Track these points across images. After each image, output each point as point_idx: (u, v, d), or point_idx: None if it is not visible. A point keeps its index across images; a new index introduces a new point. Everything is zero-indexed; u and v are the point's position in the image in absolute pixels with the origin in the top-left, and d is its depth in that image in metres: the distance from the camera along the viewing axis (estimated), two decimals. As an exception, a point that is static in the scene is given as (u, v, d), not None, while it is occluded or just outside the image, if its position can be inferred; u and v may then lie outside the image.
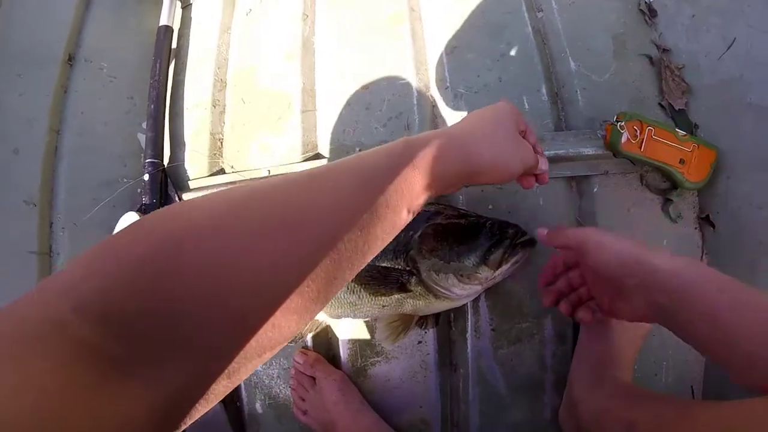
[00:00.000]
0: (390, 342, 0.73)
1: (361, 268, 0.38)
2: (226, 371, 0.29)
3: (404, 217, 0.41)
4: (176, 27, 0.93)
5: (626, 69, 0.78)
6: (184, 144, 0.88)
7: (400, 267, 0.67)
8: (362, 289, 0.68)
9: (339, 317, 0.74)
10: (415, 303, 0.70)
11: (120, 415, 0.24)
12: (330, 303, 0.69)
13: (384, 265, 0.68)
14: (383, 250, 0.58)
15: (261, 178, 0.81)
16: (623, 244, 0.54)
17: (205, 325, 0.27)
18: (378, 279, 0.67)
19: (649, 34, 0.80)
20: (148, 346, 0.25)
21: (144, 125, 0.91)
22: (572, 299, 0.65)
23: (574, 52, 0.79)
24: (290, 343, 0.73)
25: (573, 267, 0.66)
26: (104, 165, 0.89)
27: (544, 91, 0.78)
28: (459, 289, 0.67)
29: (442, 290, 0.67)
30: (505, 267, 0.66)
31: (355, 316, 0.73)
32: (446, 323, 0.78)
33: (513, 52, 0.80)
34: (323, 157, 0.81)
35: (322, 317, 0.76)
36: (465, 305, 0.76)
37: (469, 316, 0.76)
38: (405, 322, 0.73)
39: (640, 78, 0.78)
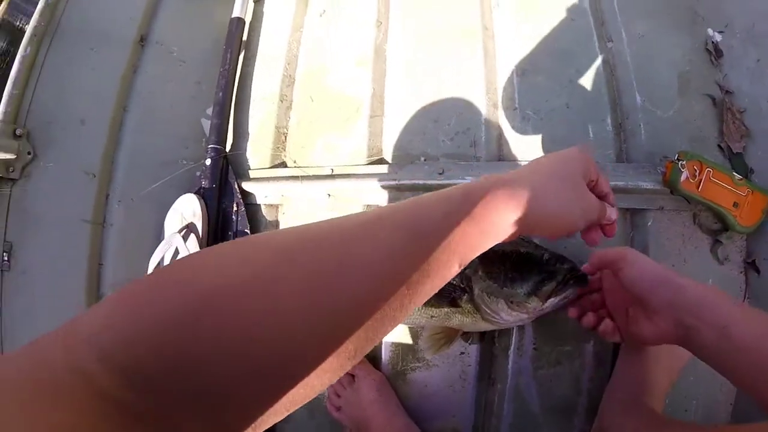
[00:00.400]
0: (430, 353, 0.74)
1: (402, 321, 0.36)
2: (254, 426, 0.28)
3: (454, 271, 0.39)
4: (248, 20, 0.95)
5: (689, 107, 0.80)
6: (247, 134, 0.90)
7: (454, 282, 0.69)
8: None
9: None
10: (462, 319, 0.71)
11: None
12: None
13: None
14: None
15: (324, 175, 0.82)
16: (656, 265, 0.58)
17: (233, 388, 0.26)
18: None
19: (714, 75, 0.82)
20: (171, 402, 0.25)
21: (209, 111, 0.93)
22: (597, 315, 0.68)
23: (640, 85, 0.81)
24: None
25: (596, 290, 0.70)
26: (166, 145, 0.90)
27: (608, 121, 0.80)
28: (506, 315, 0.68)
29: (491, 313, 0.68)
30: (554, 300, 0.67)
31: (404, 323, 0.74)
32: (490, 338, 0.80)
33: (582, 80, 0.82)
34: (387, 163, 0.83)
35: None
36: (511, 322, 0.77)
37: (514, 334, 0.78)
38: (448, 336, 0.74)
39: (701, 117, 0.80)
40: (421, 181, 0.78)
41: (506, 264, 0.68)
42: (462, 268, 0.39)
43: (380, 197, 0.81)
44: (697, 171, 0.74)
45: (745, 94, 0.80)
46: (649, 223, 0.78)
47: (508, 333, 0.78)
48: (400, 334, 0.81)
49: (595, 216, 0.52)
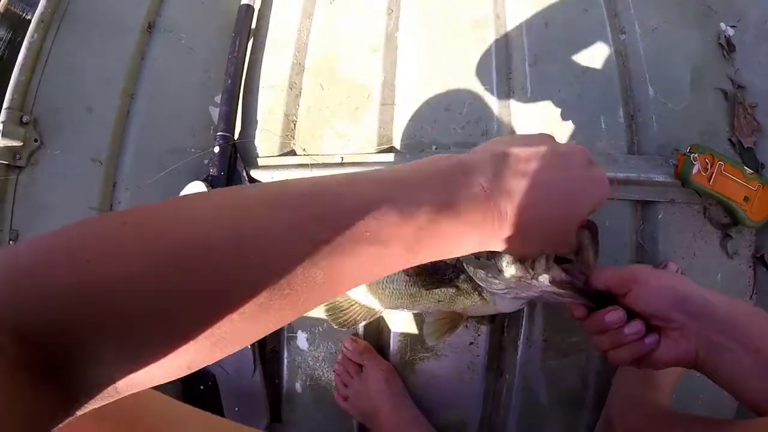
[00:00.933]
0: (433, 339, 0.73)
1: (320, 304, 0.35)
2: (126, 385, 0.29)
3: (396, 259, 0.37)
4: (257, 7, 0.94)
5: (701, 101, 0.80)
6: (256, 122, 0.89)
7: (449, 262, 0.66)
8: (420, 282, 0.69)
9: (397, 308, 0.75)
10: (464, 302, 0.69)
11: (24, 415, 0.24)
12: (390, 293, 0.70)
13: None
14: None
15: (333, 163, 0.82)
16: (675, 277, 0.52)
17: (115, 350, 0.27)
18: (427, 269, 0.68)
19: (726, 69, 0.82)
20: (59, 356, 0.26)
21: (217, 99, 0.92)
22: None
23: (653, 78, 0.81)
24: (342, 328, 0.74)
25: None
26: (174, 133, 0.90)
27: (620, 113, 0.80)
28: (490, 285, 0.62)
29: (485, 287, 0.64)
30: (541, 275, 0.56)
31: (412, 309, 0.74)
32: (499, 329, 0.80)
33: (594, 71, 0.81)
34: (397, 151, 0.83)
35: (378, 307, 0.77)
36: (521, 314, 0.77)
37: (524, 324, 0.78)
38: (453, 322, 0.73)
39: (713, 111, 0.80)
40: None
41: None
42: (416, 258, 0.38)
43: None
44: (709, 164, 0.74)
45: (756, 89, 0.80)
46: (660, 216, 0.78)
47: (517, 323, 0.78)
48: (408, 324, 0.80)
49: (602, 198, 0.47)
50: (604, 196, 0.46)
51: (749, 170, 0.75)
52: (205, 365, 0.31)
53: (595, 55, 0.82)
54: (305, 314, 0.35)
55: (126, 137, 0.88)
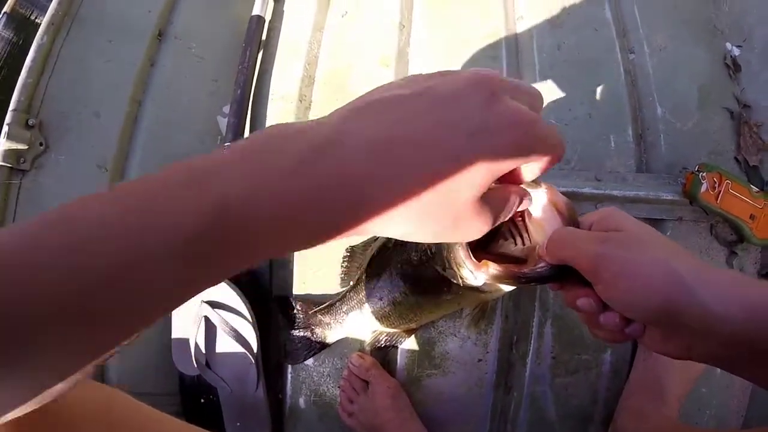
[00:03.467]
0: (474, 331, 0.73)
1: (136, 334, 0.26)
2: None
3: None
4: (267, 18, 0.95)
5: (708, 120, 0.82)
6: (264, 132, 0.89)
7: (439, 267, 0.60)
8: (430, 302, 0.66)
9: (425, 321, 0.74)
10: (468, 298, 0.63)
11: None
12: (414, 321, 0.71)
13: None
14: (419, 261, 0.58)
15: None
16: (661, 267, 0.34)
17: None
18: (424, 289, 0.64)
19: (732, 89, 0.83)
20: None
21: (225, 109, 0.91)
22: None
23: (661, 97, 0.82)
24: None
25: None
26: (181, 141, 0.89)
27: (630, 132, 0.81)
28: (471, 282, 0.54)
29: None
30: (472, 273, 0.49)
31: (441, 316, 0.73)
32: (508, 346, 0.79)
33: (604, 90, 0.83)
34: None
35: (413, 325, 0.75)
36: (530, 330, 0.77)
37: (533, 341, 0.77)
38: (482, 309, 0.71)
39: (719, 130, 0.82)
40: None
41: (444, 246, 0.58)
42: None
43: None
44: (717, 183, 0.74)
45: (762, 109, 0.82)
46: (668, 233, 0.79)
47: (526, 339, 0.78)
48: (414, 341, 0.79)
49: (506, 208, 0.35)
50: (523, 138, 0.31)
51: (755, 188, 0.76)
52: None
53: (605, 75, 0.84)
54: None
55: (133, 144, 0.86)
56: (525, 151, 0.31)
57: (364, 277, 0.72)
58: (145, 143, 0.87)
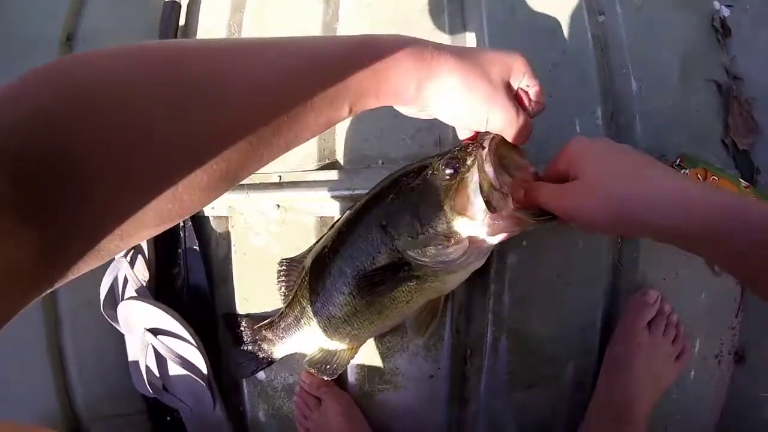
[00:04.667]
0: (420, 336, 0.66)
1: (280, 155, 0.36)
2: (119, 231, 0.28)
3: (344, 115, 0.39)
4: (185, 2, 0.81)
5: (691, 96, 0.69)
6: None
7: (393, 261, 0.58)
8: (383, 301, 0.61)
9: (374, 331, 0.67)
10: (432, 286, 0.60)
11: (4, 258, 0.24)
12: (354, 321, 0.64)
13: (377, 267, 0.59)
14: (366, 255, 0.58)
15: (271, 183, 0.73)
16: (602, 212, 0.44)
17: (104, 183, 0.27)
18: (379, 282, 0.59)
19: (720, 57, 0.70)
20: (45, 193, 0.25)
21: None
22: None
23: (636, 69, 0.69)
24: (334, 377, 0.70)
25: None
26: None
27: (599, 112, 0.69)
28: (447, 257, 0.54)
29: (435, 264, 0.56)
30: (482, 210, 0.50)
31: (388, 322, 0.66)
32: (461, 360, 0.74)
33: (567, 64, 0.70)
34: (341, 167, 0.73)
35: (356, 341, 0.69)
36: (484, 345, 0.71)
37: (487, 355, 0.72)
38: (432, 309, 0.65)
39: (704, 108, 0.69)
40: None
41: (410, 209, 0.55)
42: (353, 114, 0.40)
43: (335, 208, 0.72)
44: (701, 179, 0.64)
45: (754, 82, 0.69)
46: (641, 232, 0.69)
47: (481, 354, 0.72)
48: (366, 355, 0.75)
49: (501, 122, 0.46)
50: (512, 65, 0.46)
51: (744, 183, 0.65)
52: (200, 208, 0.34)
53: (568, 44, 0.70)
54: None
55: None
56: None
57: (300, 292, 0.67)
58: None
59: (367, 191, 0.61)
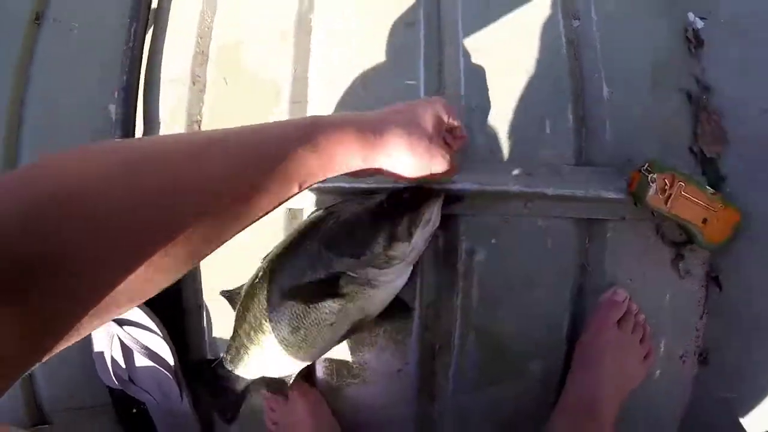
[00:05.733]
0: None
1: (241, 231, 0.40)
2: (96, 311, 0.31)
3: (293, 192, 0.43)
4: (157, -13, 0.81)
5: (662, 103, 0.70)
6: (158, 123, 0.77)
7: (323, 277, 0.60)
8: (305, 319, 0.62)
9: (312, 346, 0.67)
10: (356, 305, 0.62)
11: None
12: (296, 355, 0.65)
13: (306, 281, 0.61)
14: (299, 269, 0.60)
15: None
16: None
17: (82, 273, 0.29)
18: (309, 295, 0.61)
19: (692, 67, 0.71)
20: (27, 279, 0.27)
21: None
22: None
23: (609, 74, 0.70)
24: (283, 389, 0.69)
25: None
26: (72, 139, 0.78)
27: (569, 115, 0.70)
28: (386, 276, 0.61)
29: (375, 283, 0.61)
30: (421, 231, 0.60)
31: (320, 352, 0.67)
32: (429, 356, 0.74)
33: (540, 66, 0.70)
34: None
35: (302, 359, 0.69)
36: (451, 341, 0.72)
37: (455, 351, 0.72)
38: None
39: (675, 115, 0.71)
40: (348, 185, 0.68)
41: (351, 232, 0.60)
42: (303, 189, 0.43)
43: (303, 200, 0.72)
44: (668, 185, 0.65)
45: (724, 93, 0.70)
46: (608, 235, 0.71)
47: (449, 351, 0.73)
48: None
49: (441, 169, 0.53)
50: (439, 113, 0.53)
51: (711, 190, 0.66)
52: (174, 281, 0.36)
53: (541, 47, 0.71)
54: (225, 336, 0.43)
55: (19, 148, 0.77)
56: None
57: (237, 323, 0.66)
58: (34, 147, 0.77)
59: (337, 183, 0.63)
